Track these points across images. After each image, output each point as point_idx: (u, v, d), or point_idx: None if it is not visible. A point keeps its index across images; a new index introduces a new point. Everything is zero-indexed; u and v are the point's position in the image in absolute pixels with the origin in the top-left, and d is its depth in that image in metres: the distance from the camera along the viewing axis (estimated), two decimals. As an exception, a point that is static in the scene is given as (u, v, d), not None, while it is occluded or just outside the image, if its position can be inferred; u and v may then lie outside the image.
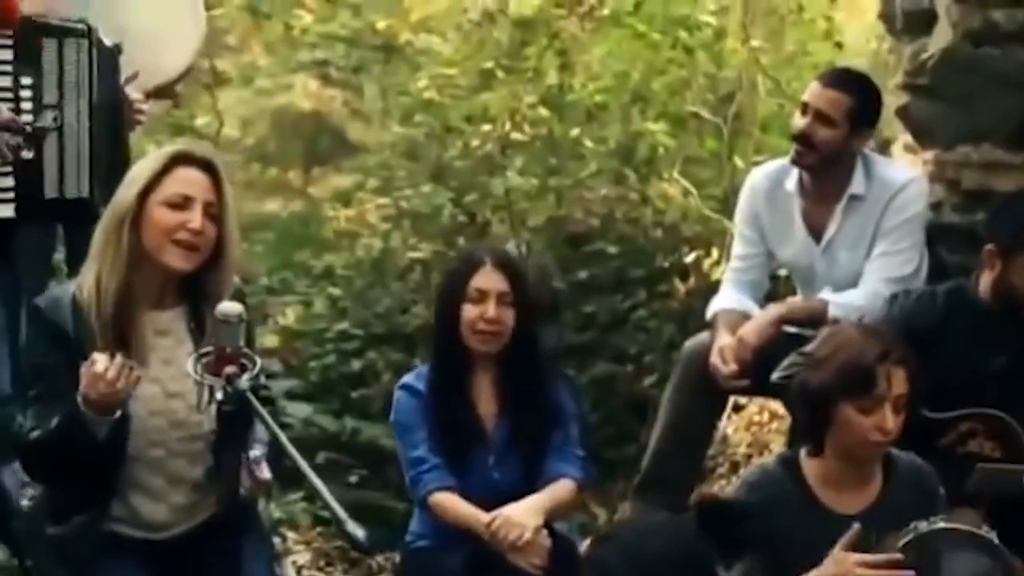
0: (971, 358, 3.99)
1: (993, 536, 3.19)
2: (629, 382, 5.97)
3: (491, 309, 3.78)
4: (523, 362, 3.87)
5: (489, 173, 6.83)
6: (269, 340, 6.51)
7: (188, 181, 3.25)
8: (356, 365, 6.33)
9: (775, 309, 4.53)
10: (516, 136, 6.87)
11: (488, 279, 3.81)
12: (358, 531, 2.54)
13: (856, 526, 3.17)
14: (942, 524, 3.18)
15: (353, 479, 5.63)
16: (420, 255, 6.85)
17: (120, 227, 3.22)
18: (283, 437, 2.74)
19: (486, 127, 6.94)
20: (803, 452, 3.41)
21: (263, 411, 2.82)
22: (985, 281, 4.06)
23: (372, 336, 6.50)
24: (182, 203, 3.22)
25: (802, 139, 4.46)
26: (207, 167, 3.29)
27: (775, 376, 4.02)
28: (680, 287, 5.99)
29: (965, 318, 4.03)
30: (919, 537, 3.16)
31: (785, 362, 4.02)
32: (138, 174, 3.29)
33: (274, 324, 6.85)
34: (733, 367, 4.35)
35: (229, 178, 3.34)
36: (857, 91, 4.45)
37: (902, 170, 4.66)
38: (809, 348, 3.99)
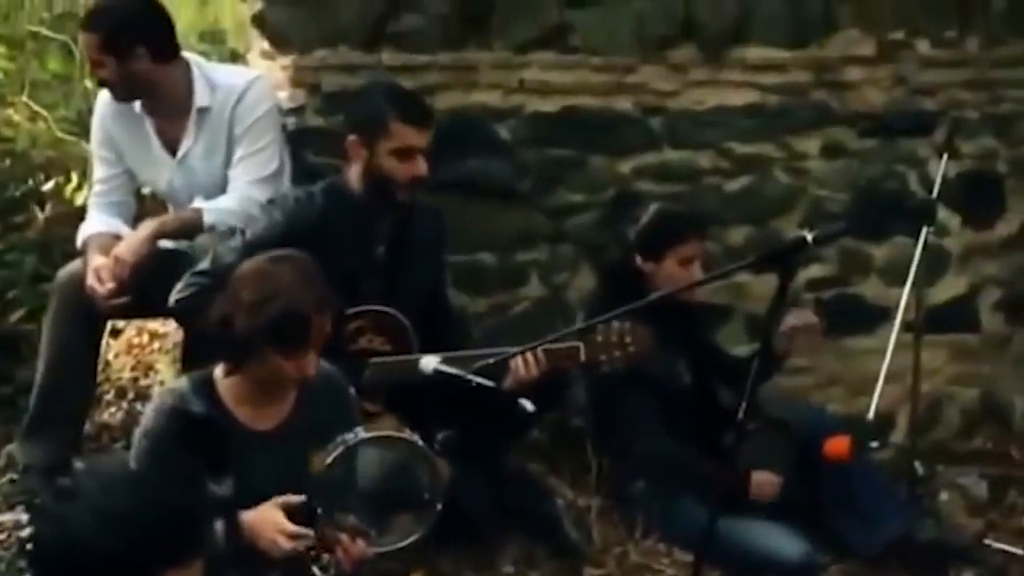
0: (353, 252, 4.11)
1: (415, 437, 3.31)
2: (-6, 321, 5.62)
3: None
4: None
5: None
6: None
7: None
8: None
9: (148, 225, 4.43)
10: None
11: None
12: None
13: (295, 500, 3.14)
14: (365, 435, 3.25)
15: None
16: None
17: None
18: None
19: None
20: (217, 372, 3.35)
21: None
22: (355, 173, 4.18)
23: None
24: None
25: (100, 83, 4.53)
26: None
27: (175, 298, 3.95)
28: (39, 216, 5.70)
29: (343, 213, 4.14)
30: (347, 450, 3.20)
31: (181, 284, 3.96)
32: None
33: None
34: (111, 286, 4.23)
35: None
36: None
37: (240, 73, 4.69)
38: (203, 266, 3.97)
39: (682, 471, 4.38)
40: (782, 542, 4.28)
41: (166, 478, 2.73)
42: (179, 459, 3.10)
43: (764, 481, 4.34)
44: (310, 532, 3.10)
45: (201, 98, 4.48)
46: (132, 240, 4.35)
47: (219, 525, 2.91)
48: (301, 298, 3.23)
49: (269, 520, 3.09)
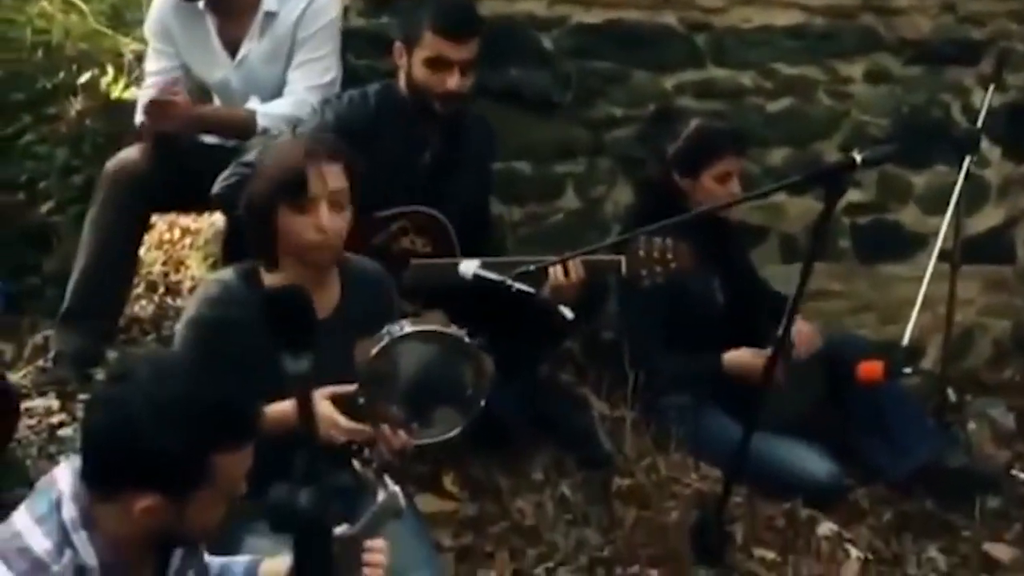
0: (401, 156, 4.09)
1: (461, 333, 3.25)
2: (23, 211, 5.61)
3: None
4: None
5: None
6: None
7: None
8: None
9: (206, 106, 4.47)
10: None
11: None
12: None
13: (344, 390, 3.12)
14: (412, 328, 3.20)
15: None
16: None
17: None
18: None
19: None
20: (261, 265, 3.33)
21: None
22: (402, 79, 4.16)
23: None
24: None
25: None
26: None
27: (217, 188, 3.92)
28: (71, 108, 5.66)
29: (394, 117, 4.12)
30: (392, 342, 3.17)
31: (225, 172, 3.93)
32: None
33: None
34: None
35: None
36: None
37: None
38: (249, 158, 3.95)
39: (678, 376, 4.41)
40: (810, 461, 4.30)
41: (215, 364, 2.73)
42: (235, 342, 3.08)
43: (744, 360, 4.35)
44: (364, 427, 3.10)
45: (269, 2, 4.46)
46: (192, 107, 4.40)
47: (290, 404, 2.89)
48: (294, 151, 3.27)
49: (323, 414, 3.07)
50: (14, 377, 4.32)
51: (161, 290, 5.09)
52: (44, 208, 5.40)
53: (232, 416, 2.41)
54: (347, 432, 3.11)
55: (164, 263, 5.21)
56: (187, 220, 5.28)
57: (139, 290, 5.05)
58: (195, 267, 5.11)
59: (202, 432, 2.35)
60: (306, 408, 2.09)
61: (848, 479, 4.40)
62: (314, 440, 2.12)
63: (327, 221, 3.22)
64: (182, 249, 5.23)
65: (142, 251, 5.08)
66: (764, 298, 4.65)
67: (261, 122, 4.33)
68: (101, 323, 4.41)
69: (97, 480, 2.39)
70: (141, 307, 4.94)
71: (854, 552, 4.09)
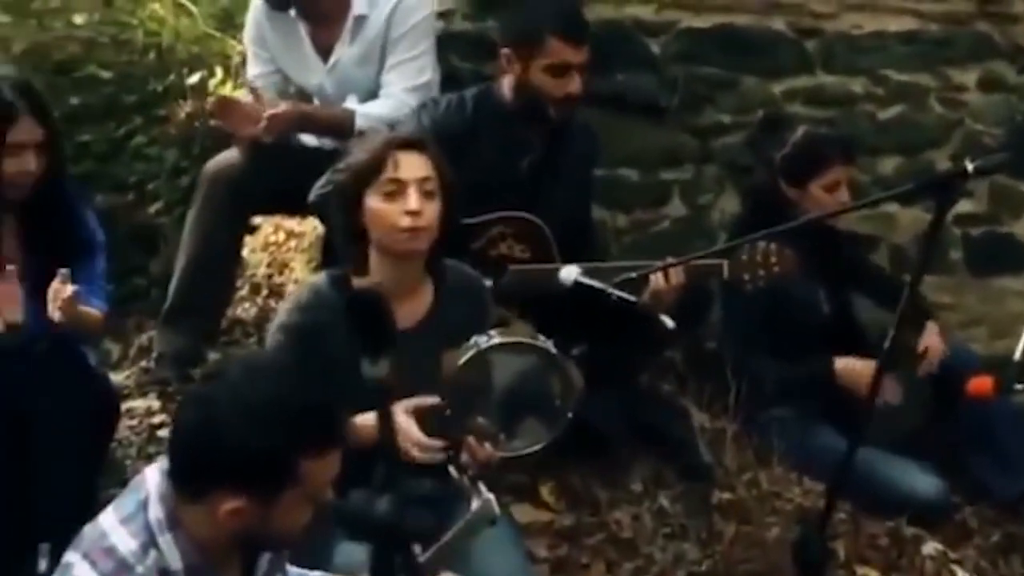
0: (500, 161, 4.07)
1: (549, 345, 3.21)
2: (131, 212, 5.68)
3: (26, 163, 3.54)
4: (49, 204, 3.65)
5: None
6: None
7: None
8: None
9: (301, 106, 4.47)
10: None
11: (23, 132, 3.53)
12: None
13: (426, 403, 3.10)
14: (499, 339, 3.17)
15: None
16: None
17: None
18: None
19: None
20: (351, 271, 3.30)
21: None
22: (507, 84, 4.13)
23: None
24: None
25: None
26: None
27: (313, 195, 3.91)
28: (181, 111, 5.72)
29: (493, 122, 4.09)
30: (479, 353, 3.14)
31: (321, 180, 3.92)
32: None
33: None
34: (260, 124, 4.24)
35: None
36: None
37: None
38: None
39: (778, 383, 4.33)
40: (917, 478, 4.20)
41: (305, 369, 2.71)
42: (324, 347, 3.05)
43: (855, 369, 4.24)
44: (441, 443, 3.06)
45: (359, 6, 4.44)
46: (288, 107, 4.36)
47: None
48: (377, 138, 3.31)
49: (402, 428, 3.04)
50: (117, 378, 4.36)
51: (264, 292, 5.10)
52: (152, 209, 5.45)
53: (320, 420, 2.39)
54: (424, 449, 3.06)
55: (268, 265, 5.22)
56: (292, 223, 5.29)
57: (242, 292, 5.07)
58: (299, 270, 5.12)
59: (289, 434, 2.34)
60: (386, 419, 2.06)
61: (955, 497, 4.28)
62: (394, 452, 2.09)
63: (417, 204, 3.17)
64: (287, 252, 5.24)
65: (246, 253, 5.12)
66: (883, 293, 4.53)
67: (360, 123, 4.32)
68: (201, 323, 4.43)
69: (184, 480, 2.39)
70: (244, 309, 4.96)
71: (960, 573, 4.00)
